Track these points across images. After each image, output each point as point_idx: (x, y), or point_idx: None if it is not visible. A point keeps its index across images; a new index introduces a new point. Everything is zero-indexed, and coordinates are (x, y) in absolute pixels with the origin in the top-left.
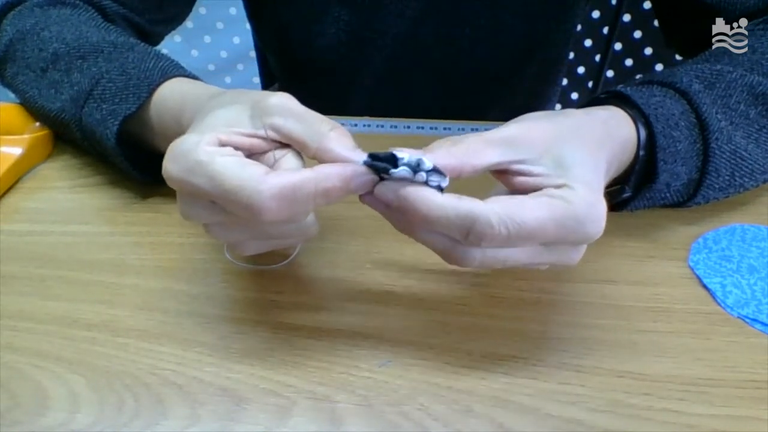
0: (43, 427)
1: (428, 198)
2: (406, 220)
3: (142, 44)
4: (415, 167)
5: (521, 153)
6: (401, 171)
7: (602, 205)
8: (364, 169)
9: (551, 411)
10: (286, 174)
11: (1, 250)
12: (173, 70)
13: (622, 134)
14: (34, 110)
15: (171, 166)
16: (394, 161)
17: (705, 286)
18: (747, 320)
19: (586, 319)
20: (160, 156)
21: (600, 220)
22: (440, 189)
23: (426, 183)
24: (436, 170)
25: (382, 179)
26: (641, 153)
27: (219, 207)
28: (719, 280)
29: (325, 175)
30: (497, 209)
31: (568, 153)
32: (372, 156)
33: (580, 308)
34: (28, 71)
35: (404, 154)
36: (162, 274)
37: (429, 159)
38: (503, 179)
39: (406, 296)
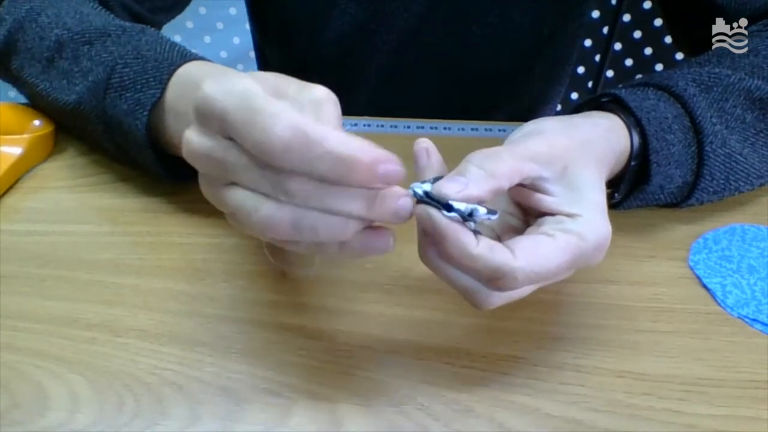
0: (43, 427)
1: (465, 245)
2: (433, 251)
3: (151, 28)
4: (467, 216)
5: (545, 170)
6: (453, 215)
7: (609, 232)
8: (394, 157)
9: (551, 411)
10: (319, 124)
11: (1, 250)
12: (191, 54)
13: (620, 146)
14: (46, 104)
15: (210, 86)
16: (447, 208)
17: (705, 286)
18: (747, 320)
19: (586, 319)
20: (174, 144)
21: (606, 247)
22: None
23: (475, 228)
24: (488, 210)
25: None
26: (633, 163)
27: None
28: (719, 280)
29: (356, 145)
30: (525, 266)
31: (580, 172)
32: (428, 195)
33: (580, 308)
34: (33, 62)
35: (460, 205)
36: (162, 274)
37: (483, 207)
38: (517, 189)
39: (406, 296)
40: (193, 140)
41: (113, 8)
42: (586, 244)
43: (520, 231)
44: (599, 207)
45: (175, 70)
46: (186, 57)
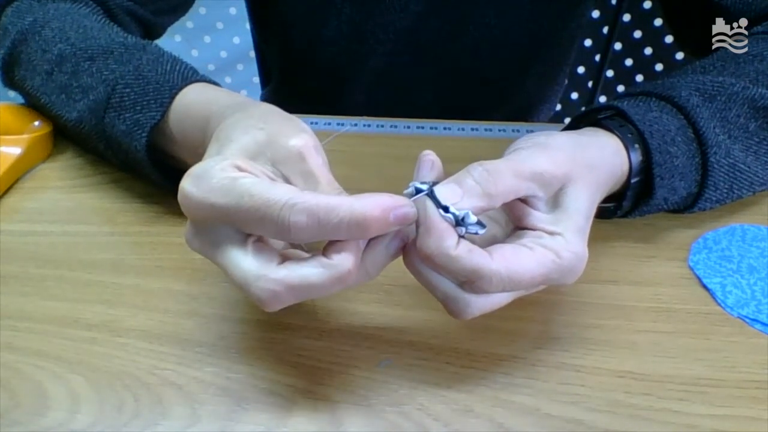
0: (43, 427)
1: (445, 242)
2: (416, 255)
3: (153, 44)
4: (460, 221)
5: (542, 190)
6: (447, 217)
7: (586, 255)
8: (406, 201)
9: (551, 411)
10: (321, 195)
11: (1, 250)
12: (193, 74)
13: (623, 168)
14: (50, 118)
15: (191, 189)
16: (444, 209)
17: (705, 286)
18: (747, 320)
19: (586, 319)
20: (182, 164)
21: (580, 270)
22: (476, 232)
23: (464, 235)
24: (478, 221)
25: None
26: (633, 180)
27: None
28: (719, 280)
29: (363, 203)
30: (501, 271)
31: (573, 195)
32: (430, 192)
33: (580, 308)
34: (34, 75)
35: (454, 209)
36: (162, 274)
37: (474, 213)
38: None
39: (406, 296)
40: (193, 242)
41: (117, 14)
42: (561, 263)
43: (501, 241)
44: (581, 231)
45: (176, 93)
46: (187, 79)
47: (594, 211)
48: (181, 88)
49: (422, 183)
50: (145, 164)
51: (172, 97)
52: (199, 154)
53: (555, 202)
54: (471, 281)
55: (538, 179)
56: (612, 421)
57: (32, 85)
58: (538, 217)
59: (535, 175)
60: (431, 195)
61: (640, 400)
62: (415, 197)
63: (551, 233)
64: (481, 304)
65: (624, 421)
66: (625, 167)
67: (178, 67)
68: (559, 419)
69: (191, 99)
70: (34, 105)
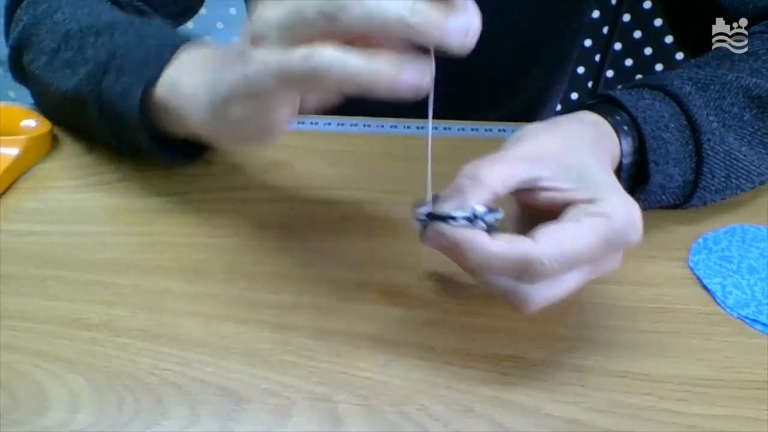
0: (43, 427)
1: (481, 246)
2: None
3: (160, 20)
4: (472, 218)
5: (539, 169)
6: (461, 222)
7: (637, 208)
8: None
9: (551, 411)
10: None
11: (1, 250)
12: (194, 38)
13: (611, 137)
14: (50, 97)
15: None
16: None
17: (705, 287)
18: (747, 321)
19: (586, 319)
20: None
21: (638, 223)
22: (493, 225)
23: (487, 229)
24: (489, 209)
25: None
26: (625, 161)
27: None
28: (719, 281)
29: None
30: (547, 250)
31: (582, 162)
32: (430, 215)
33: (580, 308)
34: (41, 55)
35: (459, 213)
36: (162, 274)
37: (480, 206)
38: (526, 197)
39: (406, 296)
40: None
41: (126, 11)
42: (612, 223)
43: None
44: (613, 186)
45: (175, 50)
46: (188, 39)
47: (610, 167)
48: (180, 45)
49: (423, 206)
50: (136, 126)
51: (172, 53)
52: (203, 102)
53: (569, 175)
54: (524, 270)
55: (525, 158)
56: (612, 421)
57: (38, 65)
58: (565, 194)
59: (521, 156)
60: (432, 216)
61: (640, 400)
62: (424, 226)
63: (589, 200)
64: (543, 293)
65: (624, 421)
66: (613, 138)
67: (180, 33)
68: (559, 419)
69: (195, 46)
70: (36, 89)
